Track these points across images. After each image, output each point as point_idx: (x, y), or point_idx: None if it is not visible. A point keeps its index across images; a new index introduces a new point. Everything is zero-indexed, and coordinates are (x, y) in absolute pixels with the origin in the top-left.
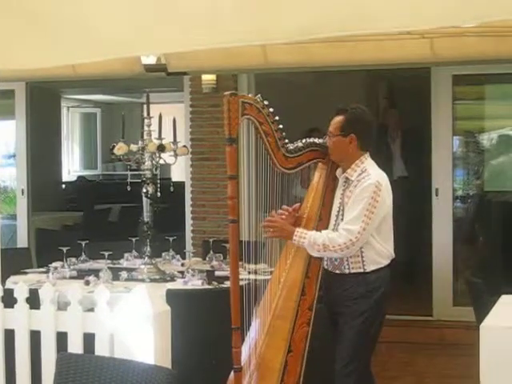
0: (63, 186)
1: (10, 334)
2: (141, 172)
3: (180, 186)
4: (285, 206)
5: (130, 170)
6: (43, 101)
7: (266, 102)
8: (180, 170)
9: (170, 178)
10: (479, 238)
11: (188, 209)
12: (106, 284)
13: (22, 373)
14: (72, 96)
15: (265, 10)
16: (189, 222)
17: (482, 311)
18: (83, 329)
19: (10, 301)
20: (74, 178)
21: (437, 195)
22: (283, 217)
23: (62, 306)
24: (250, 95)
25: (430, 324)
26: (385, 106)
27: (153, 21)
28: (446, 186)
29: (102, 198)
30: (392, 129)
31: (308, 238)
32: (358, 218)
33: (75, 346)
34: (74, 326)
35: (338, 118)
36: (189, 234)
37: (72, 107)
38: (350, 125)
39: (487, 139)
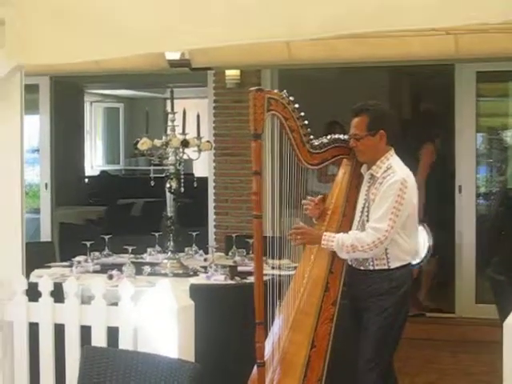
0: (86, 180)
1: (34, 328)
2: (164, 167)
3: (203, 181)
4: (310, 197)
5: (153, 165)
6: (67, 95)
7: (291, 98)
8: (203, 166)
9: (192, 174)
10: (502, 234)
11: (211, 204)
12: (129, 278)
13: (46, 366)
14: (95, 91)
15: (291, 7)
16: (212, 217)
17: (505, 308)
18: (107, 323)
19: (34, 294)
20: (97, 173)
21: (460, 192)
22: (309, 207)
23: (86, 300)
24: (275, 91)
25: (453, 321)
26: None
27: (179, 17)
28: (469, 183)
29: (124, 193)
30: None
31: (336, 241)
32: (385, 216)
33: (99, 340)
34: (97, 320)
35: (360, 118)
36: (211, 230)
37: (95, 102)
38: (377, 122)
39: (511, 136)
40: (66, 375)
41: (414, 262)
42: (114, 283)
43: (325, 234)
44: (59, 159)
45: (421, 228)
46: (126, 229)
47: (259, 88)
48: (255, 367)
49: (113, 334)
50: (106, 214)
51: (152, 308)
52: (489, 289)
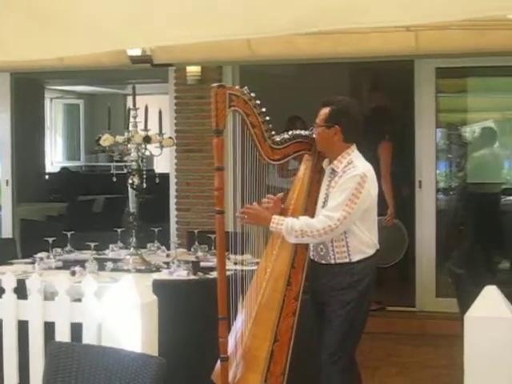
0: (47, 176)
1: None
2: (125, 163)
3: (164, 177)
4: (270, 195)
5: (114, 162)
6: (27, 92)
7: (252, 94)
8: (164, 162)
9: (153, 170)
10: (462, 229)
11: (173, 200)
12: (92, 274)
13: (10, 362)
14: (55, 87)
15: (256, 4)
16: (173, 213)
17: (464, 301)
18: (71, 318)
19: None
20: (58, 169)
21: (420, 187)
22: (270, 205)
23: (49, 296)
24: (237, 87)
25: (414, 315)
26: (375, 104)
27: (143, 15)
28: (429, 177)
29: (85, 189)
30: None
31: (285, 225)
32: (339, 206)
33: (63, 336)
34: (61, 316)
35: (325, 110)
36: (173, 226)
37: (55, 98)
38: (335, 117)
39: (470, 132)
40: (29, 371)
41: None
42: (76, 279)
43: (274, 216)
44: (20, 156)
45: (398, 226)
46: (87, 225)
47: (221, 84)
48: (218, 362)
49: (76, 330)
50: (67, 210)
51: (116, 303)
52: (448, 283)
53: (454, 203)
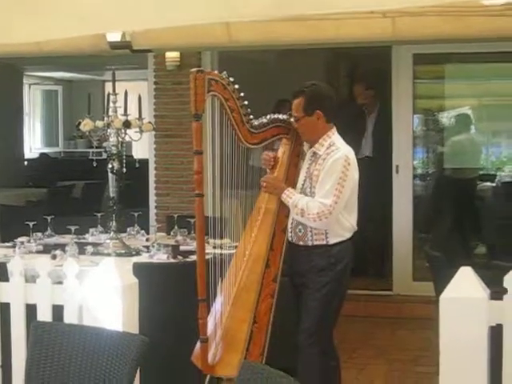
0: (25, 162)
1: None
2: (102, 149)
3: (142, 163)
4: (269, 153)
5: (92, 148)
6: (5, 78)
7: (231, 79)
8: (142, 148)
9: (132, 156)
10: (439, 213)
11: (152, 185)
12: (73, 258)
13: None
14: (33, 73)
15: None
16: (153, 198)
17: (441, 284)
18: (52, 301)
19: None
20: (36, 155)
21: (397, 172)
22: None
23: (29, 279)
24: (215, 72)
25: (390, 299)
26: (356, 86)
27: None
28: (406, 163)
29: (64, 175)
30: (369, 110)
31: (293, 199)
32: (330, 192)
33: (44, 318)
34: (43, 298)
35: (298, 100)
36: (152, 210)
37: (33, 84)
38: (312, 102)
39: (446, 118)
40: (11, 353)
41: None
42: (57, 263)
43: (288, 188)
44: None
45: None
46: (67, 210)
47: (200, 69)
48: (198, 343)
49: (58, 312)
50: (46, 195)
51: (97, 286)
52: (425, 267)
53: (431, 188)
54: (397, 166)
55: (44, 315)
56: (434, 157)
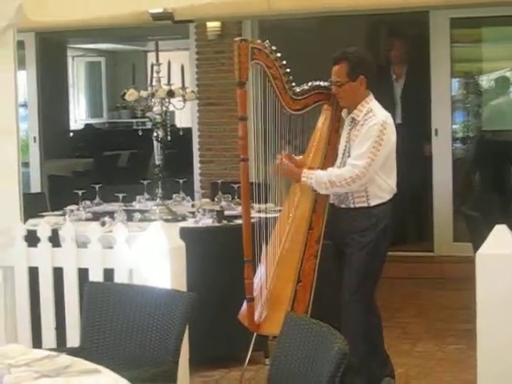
0: (71, 134)
1: (34, 272)
2: (146, 119)
3: (185, 131)
4: (279, 155)
5: (136, 118)
6: (50, 51)
7: (273, 48)
8: (184, 117)
9: (175, 125)
10: (478, 175)
11: (196, 153)
12: (122, 223)
13: (47, 307)
14: (76, 45)
15: None
16: (197, 165)
17: (479, 243)
18: (103, 265)
19: (31, 241)
20: (81, 126)
21: (436, 135)
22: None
23: (80, 245)
24: (258, 41)
25: (432, 259)
26: (393, 39)
27: None
28: (445, 126)
29: (109, 145)
30: (397, 64)
31: (315, 178)
32: (364, 154)
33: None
34: (94, 262)
35: (340, 66)
36: (197, 177)
37: (77, 56)
38: (357, 67)
39: (486, 80)
40: (65, 317)
41: None
42: (106, 229)
43: (304, 170)
44: (46, 114)
45: None
46: (113, 179)
47: (243, 38)
48: (245, 303)
49: (108, 276)
50: (93, 165)
51: (146, 249)
52: (465, 228)
53: (471, 151)
54: (436, 130)
55: (95, 279)
56: (473, 120)
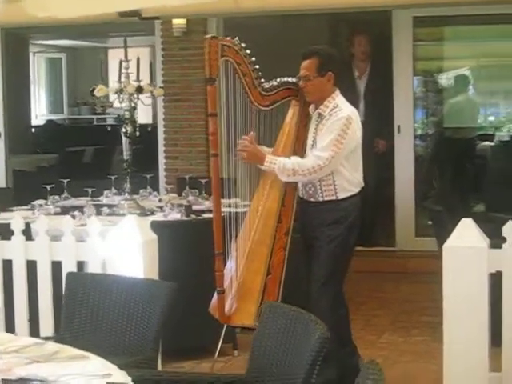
0: (33, 129)
1: (7, 265)
2: (106, 116)
3: (147, 127)
4: (244, 136)
5: (96, 114)
6: (13, 47)
7: (243, 45)
8: (144, 114)
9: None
10: (439, 172)
11: (161, 148)
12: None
13: (20, 299)
14: (38, 41)
15: None
16: (162, 160)
17: (442, 236)
18: (77, 257)
19: (4, 235)
20: (42, 122)
21: (399, 132)
22: (246, 146)
23: (52, 239)
24: (228, 38)
25: (394, 254)
26: (358, 37)
27: None
28: (407, 123)
29: (72, 141)
30: (359, 61)
31: (278, 164)
32: (328, 147)
33: None
34: (68, 255)
35: (310, 61)
36: (162, 173)
37: (38, 52)
38: (326, 63)
39: (446, 79)
40: (38, 307)
41: None
42: (77, 223)
43: (268, 156)
44: (9, 109)
45: None
46: (78, 174)
47: (213, 36)
48: (215, 295)
49: (81, 269)
50: (58, 160)
51: (119, 242)
52: (427, 224)
53: (432, 148)
54: (398, 126)
55: (69, 271)
56: (434, 117)
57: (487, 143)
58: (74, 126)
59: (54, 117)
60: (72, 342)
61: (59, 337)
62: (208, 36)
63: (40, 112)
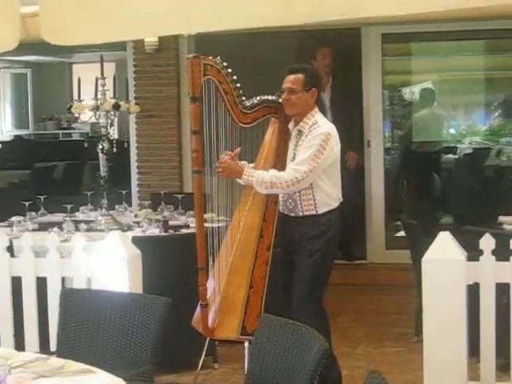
0: (0, 145)
1: None
2: (72, 131)
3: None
4: (227, 151)
5: (61, 129)
6: None
7: (225, 64)
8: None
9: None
10: (407, 186)
11: (133, 164)
12: (69, 235)
13: (5, 315)
14: (3, 57)
15: None
16: (135, 176)
17: (417, 250)
18: (62, 273)
19: None
20: (8, 138)
21: (369, 147)
22: (228, 157)
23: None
24: (210, 57)
25: (365, 267)
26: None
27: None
28: (377, 137)
29: (40, 157)
30: (324, 72)
31: (256, 177)
32: (306, 160)
33: (55, 290)
34: (53, 271)
35: (297, 76)
36: (135, 188)
37: (3, 68)
38: (312, 80)
39: (413, 93)
40: (23, 323)
41: None
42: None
43: (245, 169)
44: None
45: None
46: (50, 190)
47: (196, 55)
48: (198, 308)
49: (66, 285)
50: (29, 176)
51: (104, 258)
52: (397, 237)
53: (399, 162)
54: (368, 141)
55: (54, 287)
56: (400, 131)
57: (451, 156)
58: (41, 141)
59: (19, 132)
60: (68, 358)
61: (57, 353)
62: (190, 55)
63: (6, 128)
